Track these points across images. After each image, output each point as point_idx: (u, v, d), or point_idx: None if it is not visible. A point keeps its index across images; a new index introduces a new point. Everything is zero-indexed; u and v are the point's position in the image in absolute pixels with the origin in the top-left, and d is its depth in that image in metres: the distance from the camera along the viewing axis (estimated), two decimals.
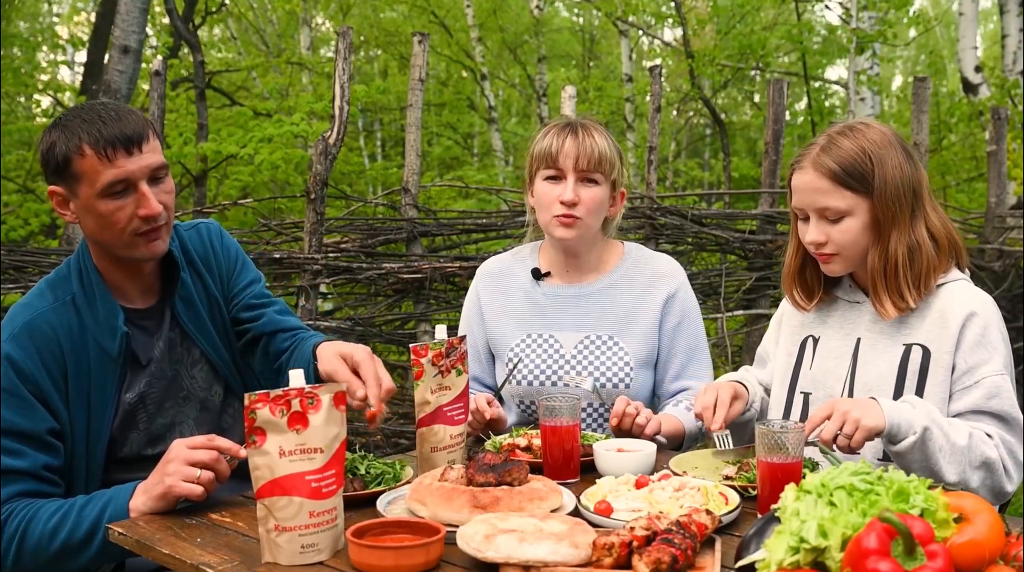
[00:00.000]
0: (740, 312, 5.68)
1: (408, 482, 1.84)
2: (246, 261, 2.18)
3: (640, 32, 15.51)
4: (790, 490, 1.26)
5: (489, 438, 2.16)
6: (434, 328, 2.89)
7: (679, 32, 14.47)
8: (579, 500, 1.69)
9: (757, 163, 14.06)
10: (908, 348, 1.99)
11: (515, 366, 2.39)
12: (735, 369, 2.47)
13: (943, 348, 1.95)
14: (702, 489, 1.69)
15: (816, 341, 2.15)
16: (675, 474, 1.82)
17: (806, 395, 2.13)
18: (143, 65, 6.70)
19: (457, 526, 1.49)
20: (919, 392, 1.96)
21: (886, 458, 1.92)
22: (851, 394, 2.04)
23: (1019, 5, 9.92)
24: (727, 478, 1.85)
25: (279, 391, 1.48)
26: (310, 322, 4.35)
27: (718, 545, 1.48)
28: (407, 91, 4.97)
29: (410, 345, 1.94)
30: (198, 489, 1.69)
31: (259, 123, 8.18)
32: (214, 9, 12.46)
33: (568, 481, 1.90)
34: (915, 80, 6.13)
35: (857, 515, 1.18)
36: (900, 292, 1.97)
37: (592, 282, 2.46)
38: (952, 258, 2.03)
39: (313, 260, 4.44)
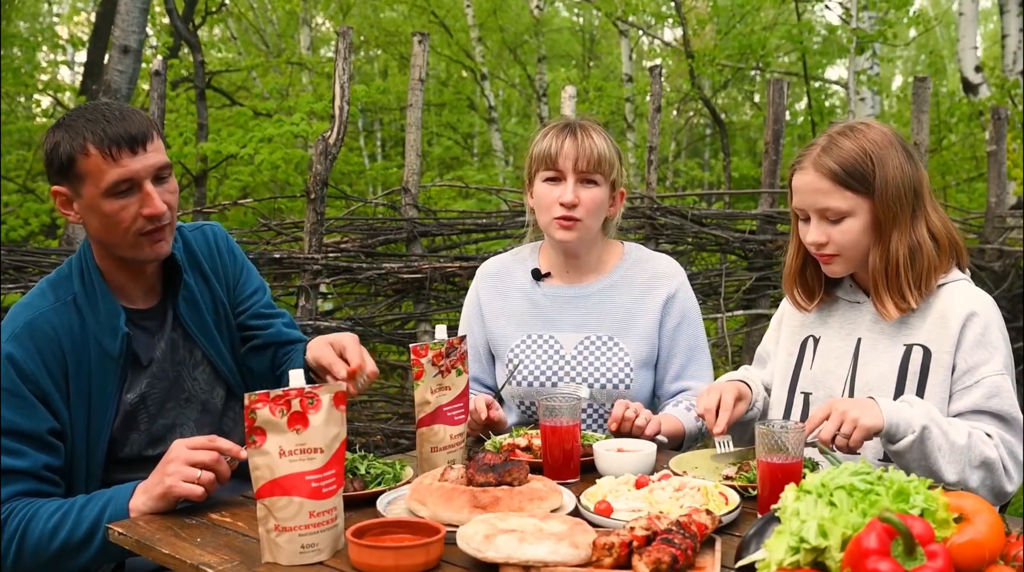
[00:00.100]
0: (740, 312, 5.68)
1: (408, 482, 1.84)
2: (250, 267, 2.19)
3: (640, 32, 15.51)
4: (790, 490, 1.26)
5: (489, 438, 2.16)
6: (434, 328, 2.89)
7: (679, 32, 14.48)
8: (579, 500, 1.69)
9: (757, 163, 14.06)
10: (909, 348, 1.99)
11: (515, 368, 2.39)
12: (735, 369, 2.46)
13: (943, 348, 1.95)
14: (702, 489, 1.69)
15: (816, 341, 2.15)
16: (675, 474, 1.82)
17: (806, 395, 2.13)
18: (143, 65, 6.70)
19: (457, 526, 1.49)
20: (920, 392, 1.96)
21: (886, 458, 1.92)
22: (852, 394, 2.04)
23: (1019, 5, 9.92)
24: (727, 478, 1.85)
25: (279, 391, 1.48)
26: (310, 322, 4.36)
27: (718, 545, 1.48)
28: (407, 91, 4.97)
29: (410, 345, 1.94)
30: (198, 490, 1.69)
31: (259, 123, 8.18)
32: (214, 9, 12.45)
33: (568, 481, 1.90)
34: (915, 80, 6.13)
35: (857, 515, 1.18)
36: (901, 292, 1.97)
37: (592, 283, 2.46)
38: (953, 258, 2.03)
39: (313, 260, 4.44)
